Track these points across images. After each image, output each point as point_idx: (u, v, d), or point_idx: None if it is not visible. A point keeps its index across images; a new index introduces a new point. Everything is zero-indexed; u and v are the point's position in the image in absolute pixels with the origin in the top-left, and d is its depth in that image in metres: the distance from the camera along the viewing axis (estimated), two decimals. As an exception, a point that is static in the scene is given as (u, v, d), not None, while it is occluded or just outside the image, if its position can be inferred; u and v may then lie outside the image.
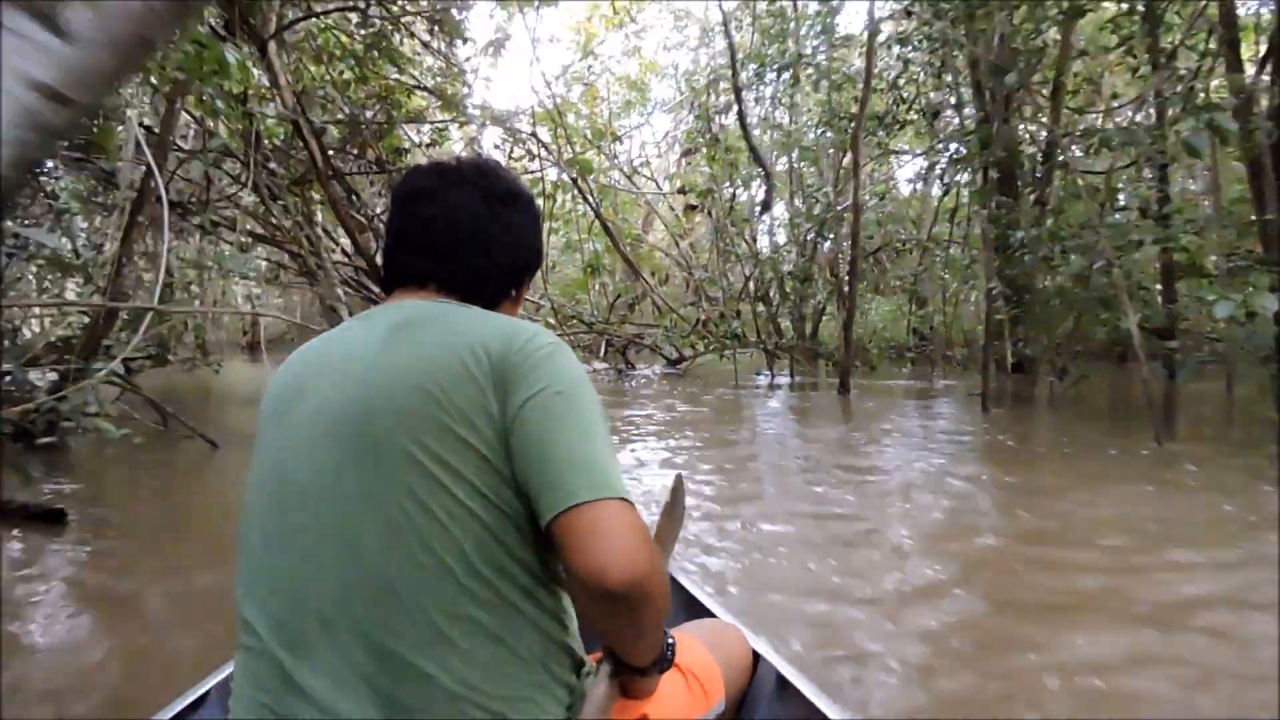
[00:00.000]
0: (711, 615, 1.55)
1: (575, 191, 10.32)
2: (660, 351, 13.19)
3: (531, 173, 9.96)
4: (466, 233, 1.03)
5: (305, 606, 0.83)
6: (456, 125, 8.78)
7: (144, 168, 5.21)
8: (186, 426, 5.25)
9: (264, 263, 10.61)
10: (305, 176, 8.25)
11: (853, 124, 10.53)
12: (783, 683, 1.29)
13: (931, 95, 10.92)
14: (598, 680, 0.89)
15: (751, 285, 11.66)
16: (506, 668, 0.81)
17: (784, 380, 10.75)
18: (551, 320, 11.21)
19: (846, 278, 8.88)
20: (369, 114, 8.39)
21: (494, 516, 0.82)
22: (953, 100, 10.21)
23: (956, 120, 10.49)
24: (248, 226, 8.92)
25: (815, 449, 5.49)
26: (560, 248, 13.27)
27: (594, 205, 9.97)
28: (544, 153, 9.54)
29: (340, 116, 8.19)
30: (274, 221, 8.99)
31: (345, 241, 9.23)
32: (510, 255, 1.07)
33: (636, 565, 0.75)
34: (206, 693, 1.30)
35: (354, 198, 8.86)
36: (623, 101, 12.02)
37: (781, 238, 12.26)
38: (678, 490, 1.24)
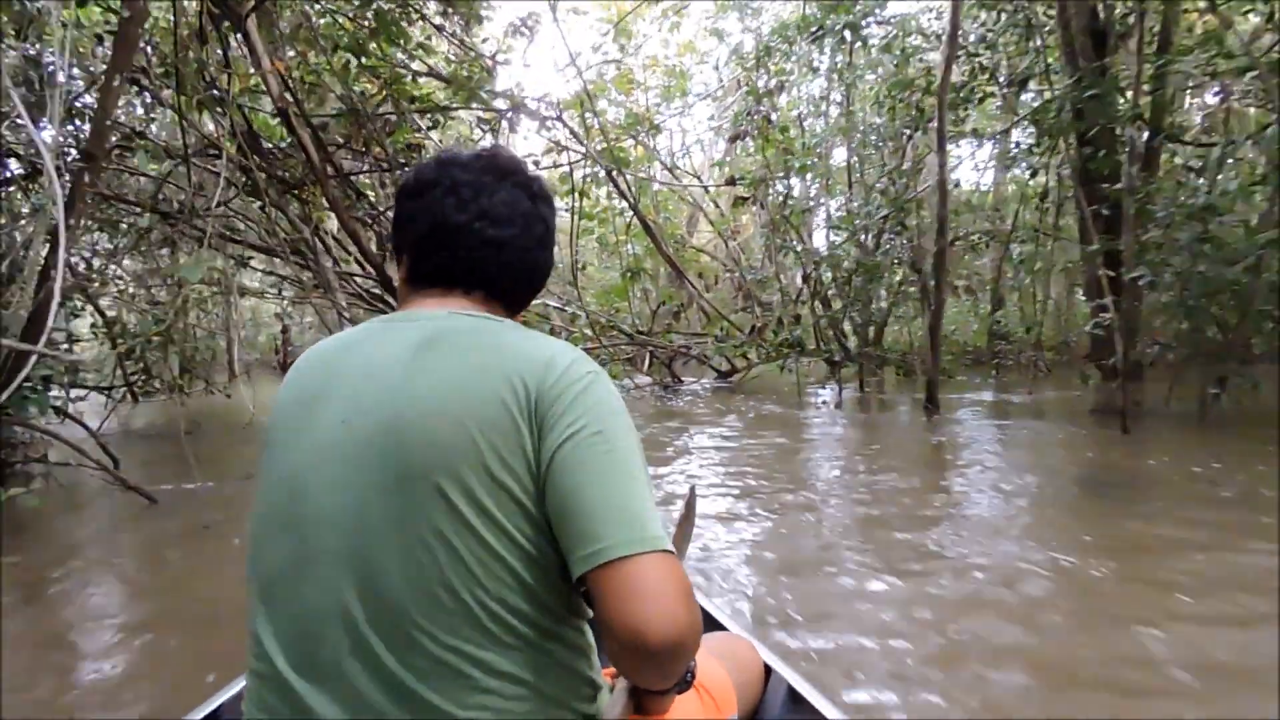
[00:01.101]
0: (723, 628, 1.54)
1: (611, 187, 9.19)
2: (709, 363, 11.97)
3: (560, 166, 8.87)
4: (518, 233, 0.98)
5: (322, 635, 0.80)
6: (474, 115, 7.69)
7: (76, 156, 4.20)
8: (117, 479, 4.19)
9: (267, 275, 9.70)
10: (305, 178, 7.27)
11: (926, 95, 9.22)
12: (794, 695, 1.29)
13: (1017, 63, 9.52)
14: (614, 699, 0.87)
15: (809, 286, 10.34)
16: (526, 708, 0.79)
17: (849, 392, 9.41)
18: (589, 331, 10.08)
19: (931, 271, 7.53)
20: (374, 105, 7.36)
21: (522, 560, 0.80)
22: (1040, 68, 8.84)
23: (1037, 95, 9.16)
24: (228, 235, 7.97)
25: (932, 509, 4.19)
26: (595, 250, 12.18)
27: (632, 201, 8.80)
28: (574, 143, 8.41)
29: (339, 108, 7.18)
30: (278, 230, 8.06)
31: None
32: (549, 256, 1.03)
33: (677, 625, 0.72)
34: (219, 708, 1.29)
35: (360, 200, 7.84)
36: (661, 88, 10.84)
37: (829, 234, 10.91)
38: (690, 503, 1.35)
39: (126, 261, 8.66)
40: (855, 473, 4.99)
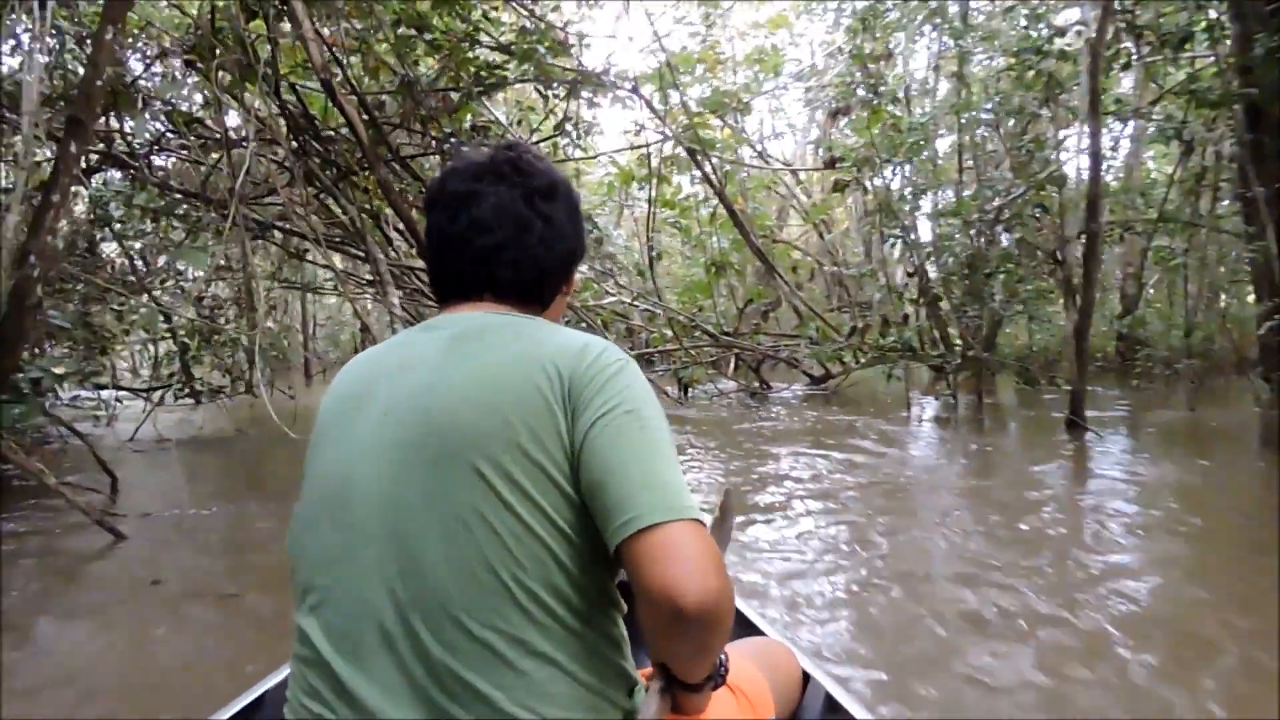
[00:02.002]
0: (761, 633, 1.51)
1: (693, 172, 8.26)
2: (800, 367, 10.86)
3: (638, 148, 8.00)
4: (513, 237, 0.98)
5: (364, 618, 0.81)
6: (540, 90, 6.90)
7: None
8: (78, 509, 3.52)
9: (324, 268, 9.23)
10: (358, 162, 6.65)
11: (1062, 60, 7.88)
12: (832, 703, 1.28)
13: (1173, 20, 8.06)
14: (649, 697, 0.87)
15: (919, 281, 9.10)
16: (563, 691, 0.80)
17: (961, 402, 8.15)
18: (668, 331, 9.17)
19: (1078, 261, 6.25)
20: (432, 80, 6.67)
21: (557, 539, 0.81)
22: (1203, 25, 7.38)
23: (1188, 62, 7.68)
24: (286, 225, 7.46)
25: (1125, 596, 3.08)
26: (676, 243, 11.27)
27: (718, 185, 7.84)
28: (653, 122, 7.53)
29: (392, 83, 6.52)
30: (333, 220, 7.52)
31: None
32: (556, 252, 1.02)
33: (709, 587, 0.73)
34: (261, 696, 1.28)
35: (419, 184, 7.17)
36: (749, 63, 9.78)
37: (934, 225, 9.57)
38: (727, 505, 1.33)
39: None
40: (997, 520, 3.88)
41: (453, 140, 6.47)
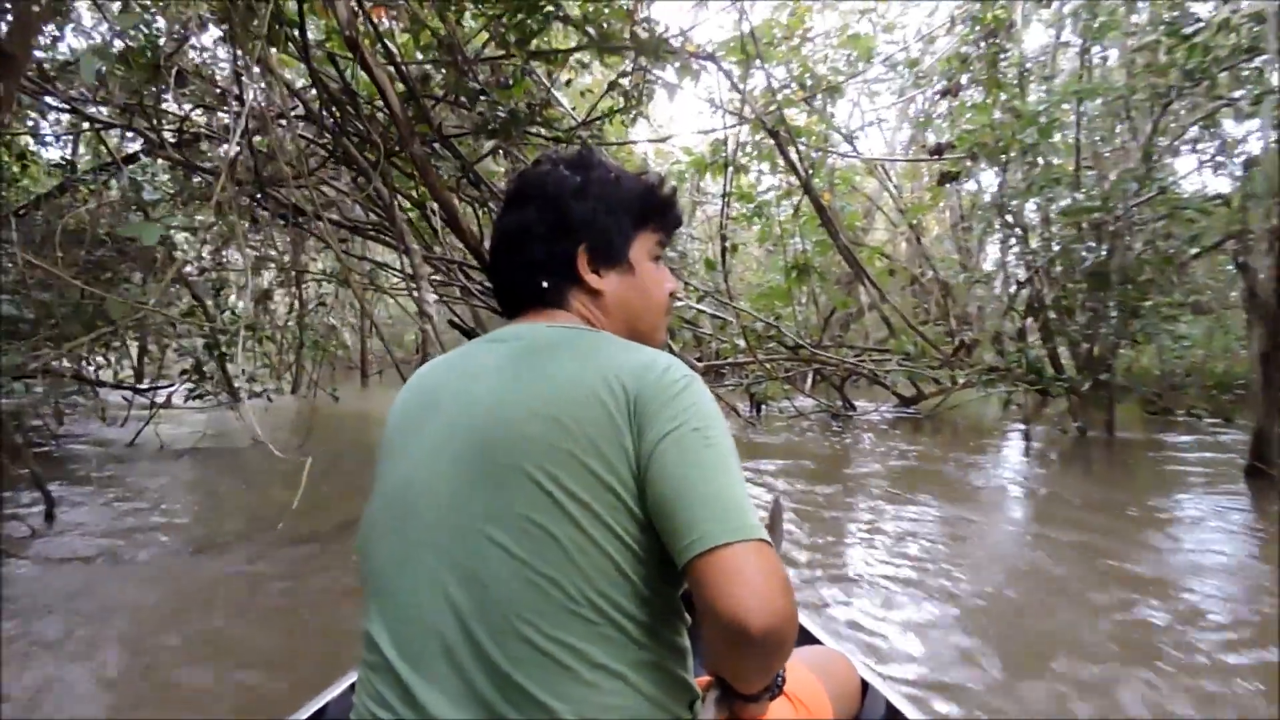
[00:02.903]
0: (818, 642, 1.52)
1: (771, 163, 7.24)
2: (887, 385, 9.67)
3: (712, 131, 7.04)
4: (513, 249, 1.02)
5: (429, 627, 0.82)
6: (603, 61, 6.01)
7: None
8: None
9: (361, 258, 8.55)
10: (397, 140, 5.89)
11: (1218, 34, 6.56)
12: (892, 712, 1.27)
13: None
14: (705, 707, 0.87)
15: (1038, 288, 7.82)
16: (625, 704, 0.79)
17: (1073, 435, 6.84)
18: (741, 342, 8.14)
19: (1267, 269, 4.95)
20: (479, 50, 5.86)
21: (621, 552, 0.80)
22: None
23: None
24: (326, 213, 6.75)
25: None
26: (752, 247, 10.22)
27: (803, 176, 6.79)
28: (731, 101, 6.55)
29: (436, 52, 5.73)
30: (379, 206, 6.82)
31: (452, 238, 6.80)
32: (541, 256, 1.01)
33: (777, 610, 0.73)
34: (325, 705, 1.29)
35: (467, 170, 6.36)
36: (841, 46, 8.66)
37: (1044, 229, 8.17)
38: (776, 514, 1.38)
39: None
40: (1195, 641, 2.74)
41: (500, 112, 5.62)
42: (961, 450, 6.86)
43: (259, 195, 6.41)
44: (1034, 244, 7.92)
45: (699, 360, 8.69)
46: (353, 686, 0.90)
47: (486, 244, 6.47)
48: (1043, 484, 5.35)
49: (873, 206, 11.53)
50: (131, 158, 6.84)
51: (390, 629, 0.84)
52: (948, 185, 7.93)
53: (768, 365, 8.21)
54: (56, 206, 7.15)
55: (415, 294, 5.97)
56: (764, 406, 8.74)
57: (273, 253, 8.84)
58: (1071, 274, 7.54)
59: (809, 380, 10.59)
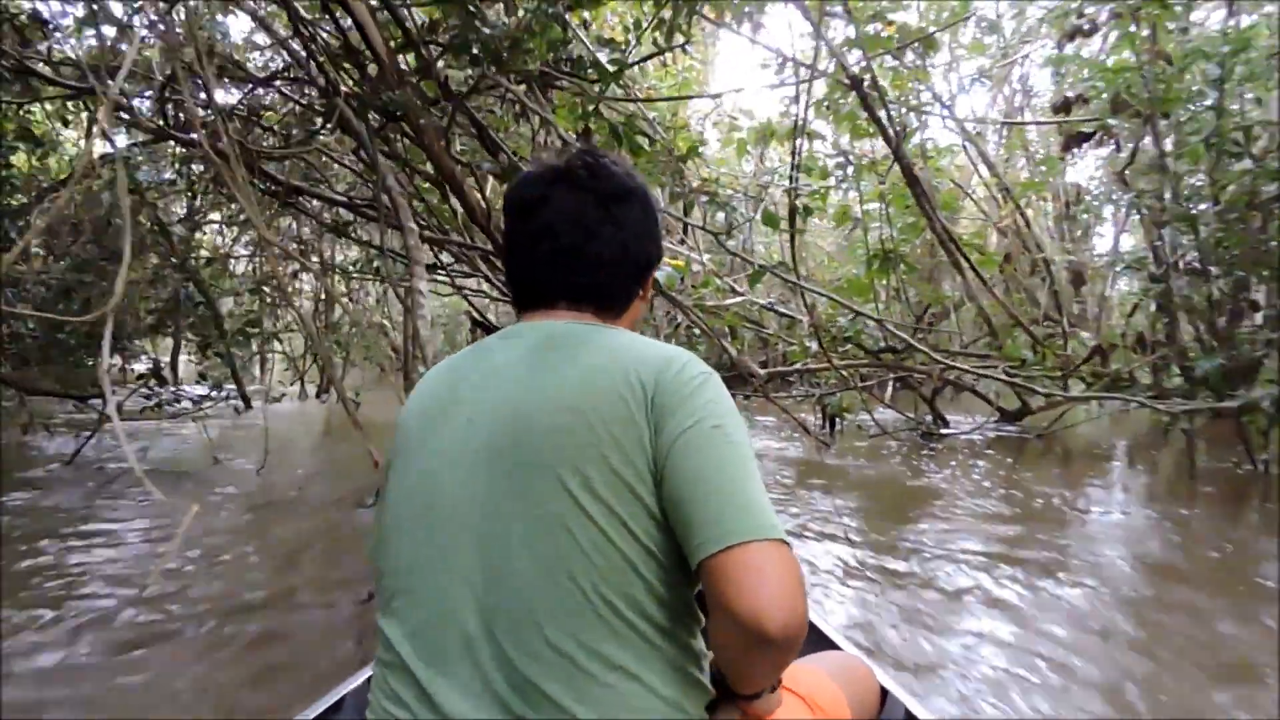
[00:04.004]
0: (837, 648, 1.48)
1: (860, 120, 5.94)
2: (982, 394, 8.21)
3: (783, 84, 5.79)
4: (580, 241, 0.98)
5: (448, 624, 0.82)
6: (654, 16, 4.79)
7: None
8: None
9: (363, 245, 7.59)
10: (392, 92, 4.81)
11: None
12: (910, 719, 1.25)
13: None
14: (721, 708, 0.86)
15: (1177, 277, 6.26)
16: (642, 705, 0.78)
17: (1252, 473, 5.28)
18: (813, 345, 6.82)
19: None
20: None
21: (638, 551, 0.80)
22: None
23: None
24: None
25: None
26: (824, 236, 8.87)
27: (894, 136, 5.45)
28: (801, 52, 5.27)
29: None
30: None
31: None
32: (628, 258, 1.01)
33: (795, 611, 0.72)
34: (342, 699, 1.29)
35: (483, 134, 5.24)
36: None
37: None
38: None
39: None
40: None
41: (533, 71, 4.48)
42: (1096, 483, 5.42)
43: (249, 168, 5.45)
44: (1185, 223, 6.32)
45: (763, 365, 7.41)
46: (369, 681, 0.90)
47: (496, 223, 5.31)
48: (1215, 546, 3.91)
49: (962, 188, 10.01)
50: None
51: (407, 627, 0.84)
52: (1073, 152, 6.43)
53: (845, 373, 6.88)
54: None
55: (408, 282, 4.89)
56: (839, 421, 7.41)
57: (291, 244, 7.94)
58: (1247, 260, 5.90)
59: (888, 389, 9.20)
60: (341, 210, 6.15)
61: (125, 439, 2.15)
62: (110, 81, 2.37)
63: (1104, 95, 5.63)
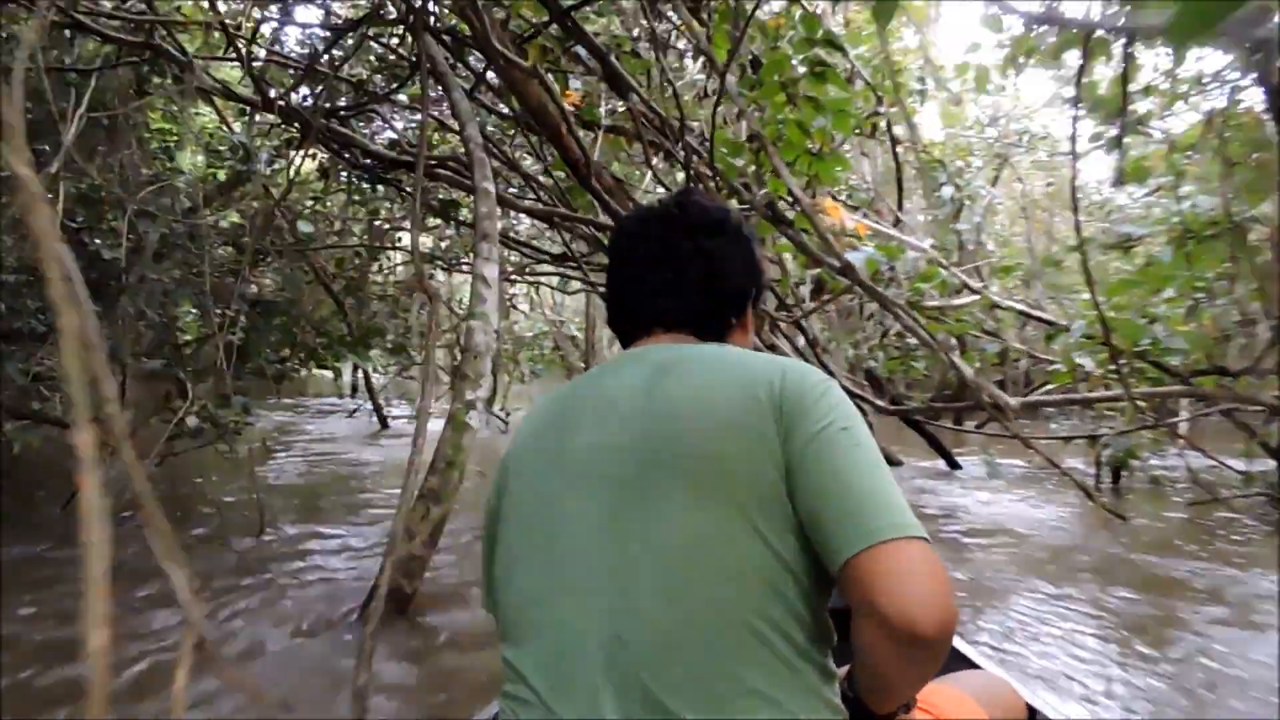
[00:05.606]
0: (977, 667, 1.39)
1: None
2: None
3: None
4: (671, 274, 0.99)
5: (579, 655, 0.79)
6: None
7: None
8: None
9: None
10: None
11: None
12: None
13: None
14: None
15: None
16: None
17: None
18: (1086, 362, 4.70)
19: None
20: None
21: (775, 567, 0.77)
22: None
23: None
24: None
25: None
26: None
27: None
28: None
29: None
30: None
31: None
32: (722, 289, 1.01)
33: (946, 608, 0.70)
34: None
35: (572, 33, 3.74)
36: None
37: None
38: None
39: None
40: None
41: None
42: None
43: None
44: None
45: (999, 384, 5.38)
46: (496, 717, 0.88)
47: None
48: None
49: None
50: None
51: (537, 658, 0.82)
52: None
53: (1140, 403, 4.67)
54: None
55: (472, 257, 3.52)
56: (1123, 472, 5.19)
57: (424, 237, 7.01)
58: None
59: (1184, 425, 6.66)
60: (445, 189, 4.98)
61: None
62: None
63: None
